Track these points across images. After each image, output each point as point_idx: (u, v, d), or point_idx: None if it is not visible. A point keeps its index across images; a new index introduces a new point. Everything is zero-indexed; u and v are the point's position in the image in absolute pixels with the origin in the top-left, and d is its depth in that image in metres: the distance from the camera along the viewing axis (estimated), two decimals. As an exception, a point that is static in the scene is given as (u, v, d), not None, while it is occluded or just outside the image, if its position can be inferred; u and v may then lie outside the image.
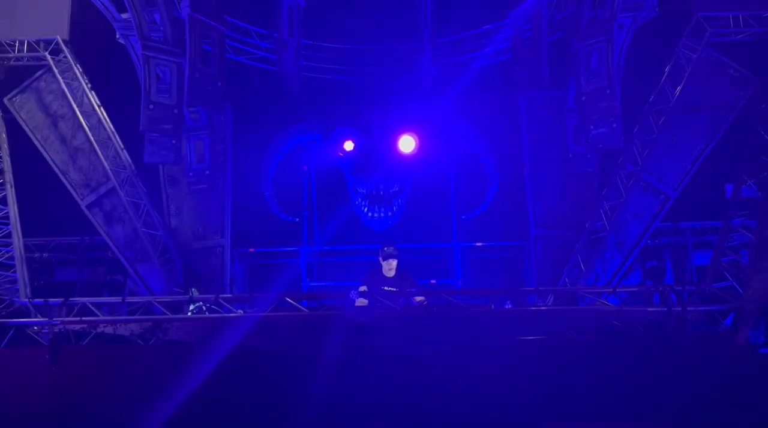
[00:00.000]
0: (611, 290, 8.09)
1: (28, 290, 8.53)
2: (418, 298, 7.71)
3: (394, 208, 10.22)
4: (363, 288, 7.73)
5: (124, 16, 9.47)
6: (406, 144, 10.32)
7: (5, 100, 9.83)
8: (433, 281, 10.39)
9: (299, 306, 7.45)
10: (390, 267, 7.77)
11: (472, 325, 7.50)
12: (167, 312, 7.52)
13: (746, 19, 9.40)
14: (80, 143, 9.81)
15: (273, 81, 10.52)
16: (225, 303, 7.82)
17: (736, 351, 7.03)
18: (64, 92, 9.71)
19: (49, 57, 9.68)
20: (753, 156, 8.71)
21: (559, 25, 10.00)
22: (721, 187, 9.81)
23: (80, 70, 9.77)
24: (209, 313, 7.79)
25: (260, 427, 6.84)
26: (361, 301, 7.54)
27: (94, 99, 9.81)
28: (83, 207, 9.82)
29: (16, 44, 9.66)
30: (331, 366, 6.83)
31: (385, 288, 7.76)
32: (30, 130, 9.85)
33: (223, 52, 9.18)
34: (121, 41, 9.79)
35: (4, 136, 9.49)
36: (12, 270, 8.58)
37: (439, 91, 10.50)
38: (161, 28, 9.03)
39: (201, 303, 8.15)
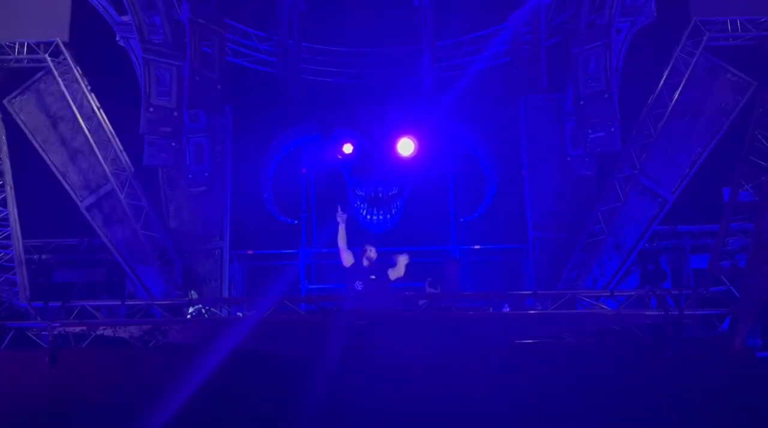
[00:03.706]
0: (609, 293, 8.12)
1: (27, 292, 8.54)
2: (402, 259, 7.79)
3: (393, 211, 10.23)
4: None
5: (124, 18, 9.47)
6: (405, 146, 10.34)
7: (5, 101, 9.82)
8: (431, 283, 10.41)
9: (298, 308, 7.48)
10: (367, 258, 7.91)
11: (471, 328, 7.53)
12: (166, 315, 7.55)
13: (744, 23, 9.43)
14: (80, 145, 9.81)
15: (272, 83, 10.54)
16: (224, 306, 7.86)
17: (733, 355, 7.08)
18: (63, 94, 9.71)
19: (49, 59, 9.68)
20: (750, 160, 8.74)
21: (557, 29, 10.04)
22: (718, 190, 9.85)
23: (80, 72, 9.77)
24: (208, 316, 7.82)
25: (260, 429, 6.87)
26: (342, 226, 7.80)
27: (93, 101, 9.82)
28: (82, 208, 9.83)
29: (16, 46, 9.65)
30: (330, 368, 6.86)
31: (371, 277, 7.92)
32: (30, 132, 9.85)
33: (223, 55, 9.20)
34: (121, 44, 9.79)
35: (3, 137, 9.47)
36: (12, 272, 8.59)
37: (438, 94, 10.52)
38: (161, 31, 9.04)
39: (200, 305, 8.17)
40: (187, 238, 10.27)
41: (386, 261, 8.10)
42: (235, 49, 10.54)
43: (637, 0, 9.37)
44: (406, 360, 6.99)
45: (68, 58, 9.71)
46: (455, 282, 9.20)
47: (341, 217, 7.88)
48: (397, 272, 7.89)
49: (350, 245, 8.36)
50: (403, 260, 7.88)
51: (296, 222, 10.84)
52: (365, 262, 7.84)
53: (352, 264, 7.97)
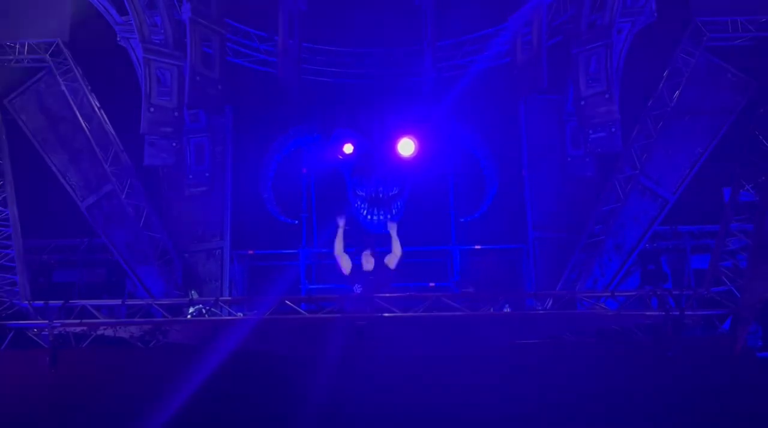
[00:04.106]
0: (609, 294, 8.13)
1: (28, 292, 8.53)
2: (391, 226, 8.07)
3: (393, 211, 10.23)
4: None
5: (124, 18, 9.47)
6: (406, 146, 10.34)
7: (5, 101, 9.84)
8: (431, 284, 10.42)
9: (298, 308, 7.48)
10: (367, 261, 8.05)
11: (471, 328, 7.52)
12: (167, 315, 7.55)
13: (744, 23, 9.46)
14: (80, 145, 9.82)
15: (273, 83, 10.53)
16: (224, 306, 7.85)
17: (733, 355, 7.07)
18: (64, 94, 9.73)
19: (49, 59, 9.69)
20: (751, 160, 8.75)
21: (558, 29, 10.02)
22: (719, 191, 9.85)
23: (80, 72, 9.78)
24: (209, 316, 7.82)
25: (260, 430, 6.87)
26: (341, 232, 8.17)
27: (94, 101, 9.82)
28: (83, 208, 9.83)
29: (17, 46, 9.67)
30: (330, 369, 6.86)
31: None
32: (30, 132, 9.86)
33: (224, 55, 9.20)
34: (122, 44, 9.78)
35: (4, 137, 9.48)
36: (12, 272, 8.58)
37: (439, 94, 10.52)
38: (162, 31, 9.05)
39: (201, 305, 8.17)
40: (188, 238, 10.27)
41: (386, 251, 8.17)
42: (236, 49, 10.53)
43: (637, 0, 9.37)
44: (407, 361, 6.99)
45: (69, 58, 9.72)
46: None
47: (341, 221, 7.96)
48: (394, 254, 8.01)
49: (351, 245, 8.40)
50: (393, 229, 8.05)
51: (296, 222, 10.83)
52: (365, 265, 7.90)
53: (351, 269, 8.01)
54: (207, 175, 10.33)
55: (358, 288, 7.89)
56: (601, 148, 9.19)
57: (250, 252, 10.73)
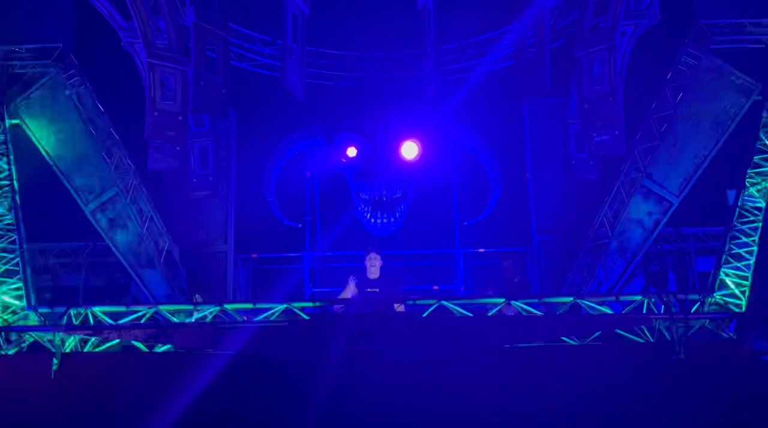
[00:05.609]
0: (614, 297, 8.11)
1: (33, 296, 8.55)
2: (398, 307, 7.80)
3: (397, 214, 10.23)
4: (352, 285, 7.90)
5: (129, 23, 9.49)
6: (409, 150, 10.35)
7: (10, 106, 9.84)
8: (435, 287, 10.42)
9: (302, 312, 7.49)
10: (371, 264, 7.89)
11: (474, 331, 7.51)
12: (171, 319, 7.57)
13: (748, 26, 9.45)
14: (85, 149, 9.82)
15: (276, 87, 10.55)
16: (229, 310, 7.86)
17: (738, 359, 7.06)
18: (68, 98, 9.74)
19: (54, 64, 9.71)
20: (755, 162, 8.73)
21: (561, 32, 10.04)
22: (723, 193, 9.83)
23: (85, 76, 9.80)
24: (213, 320, 7.82)
25: (264, 433, 6.87)
26: (351, 288, 7.83)
27: (98, 105, 9.84)
28: (87, 213, 9.83)
29: (22, 51, 9.69)
30: (333, 371, 6.86)
31: (368, 290, 7.95)
32: (35, 136, 9.87)
33: (228, 59, 9.23)
34: (126, 48, 9.81)
35: (9, 142, 9.51)
36: (17, 276, 8.59)
37: (442, 98, 10.55)
38: (166, 36, 9.08)
39: (205, 309, 8.16)
40: (192, 242, 10.29)
41: (392, 271, 8.12)
42: (240, 53, 10.57)
43: (641, 3, 9.37)
44: (410, 363, 6.98)
45: (73, 63, 9.74)
46: (513, 279, 9.27)
47: (352, 281, 7.95)
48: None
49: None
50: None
51: (300, 225, 10.85)
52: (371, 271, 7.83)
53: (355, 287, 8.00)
54: (211, 178, 10.36)
55: (354, 279, 7.86)
56: (604, 150, 9.19)
57: (254, 255, 10.76)
